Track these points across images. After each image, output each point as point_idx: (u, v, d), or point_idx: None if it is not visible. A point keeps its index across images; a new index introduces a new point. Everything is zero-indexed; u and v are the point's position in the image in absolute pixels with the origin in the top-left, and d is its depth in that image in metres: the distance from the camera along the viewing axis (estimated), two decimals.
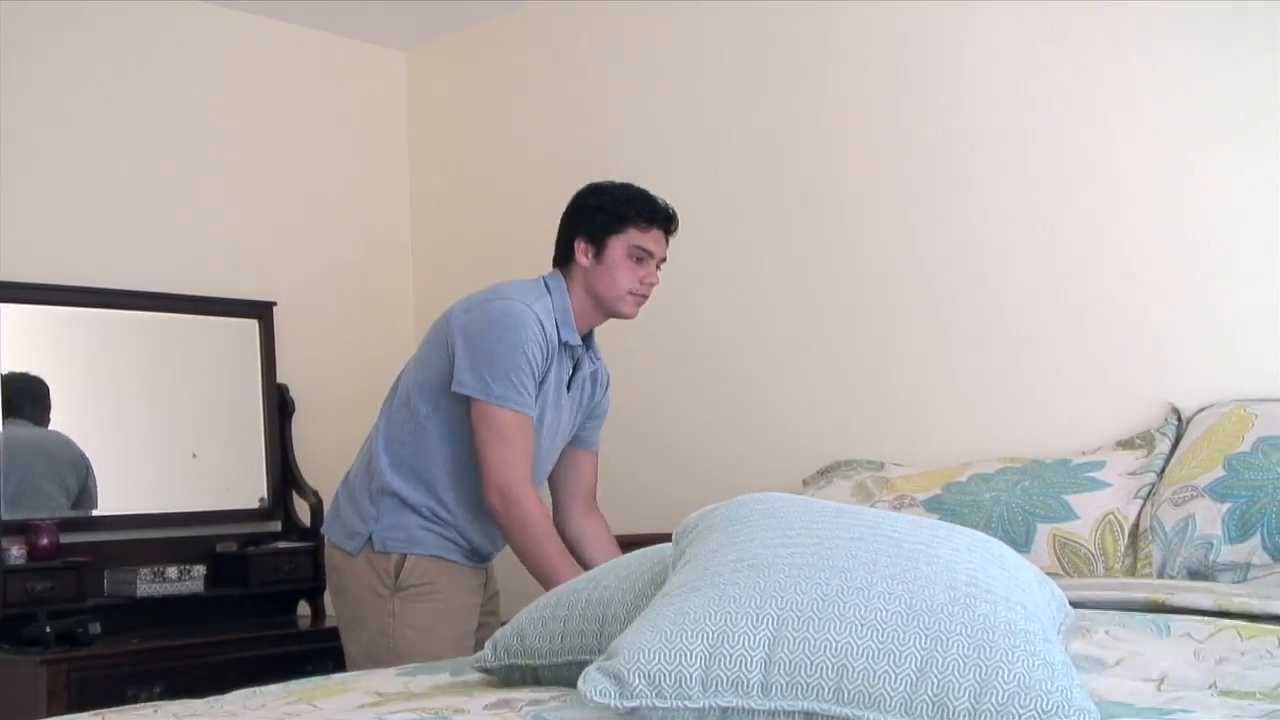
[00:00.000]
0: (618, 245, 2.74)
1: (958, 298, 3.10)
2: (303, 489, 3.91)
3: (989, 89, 3.06)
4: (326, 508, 2.92)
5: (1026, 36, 3.00)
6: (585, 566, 2.76)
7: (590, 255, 2.75)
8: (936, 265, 3.14)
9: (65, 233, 3.70)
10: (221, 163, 4.05)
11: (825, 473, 3.07)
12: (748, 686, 1.29)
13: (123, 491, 3.67)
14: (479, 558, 2.79)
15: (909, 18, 3.20)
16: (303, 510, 3.91)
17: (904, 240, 3.21)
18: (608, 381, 2.91)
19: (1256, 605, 1.70)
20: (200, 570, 3.61)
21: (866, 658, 1.27)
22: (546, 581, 2.50)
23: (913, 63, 3.20)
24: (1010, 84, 3.02)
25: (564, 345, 2.71)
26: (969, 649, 1.26)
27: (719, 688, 1.29)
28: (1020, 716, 1.20)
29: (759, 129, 3.50)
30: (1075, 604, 1.74)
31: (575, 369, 2.77)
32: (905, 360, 3.19)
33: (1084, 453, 2.71)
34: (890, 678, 1.25)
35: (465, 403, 2.63)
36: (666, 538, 2.69)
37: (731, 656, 1.30)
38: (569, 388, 2.76)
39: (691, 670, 1.30)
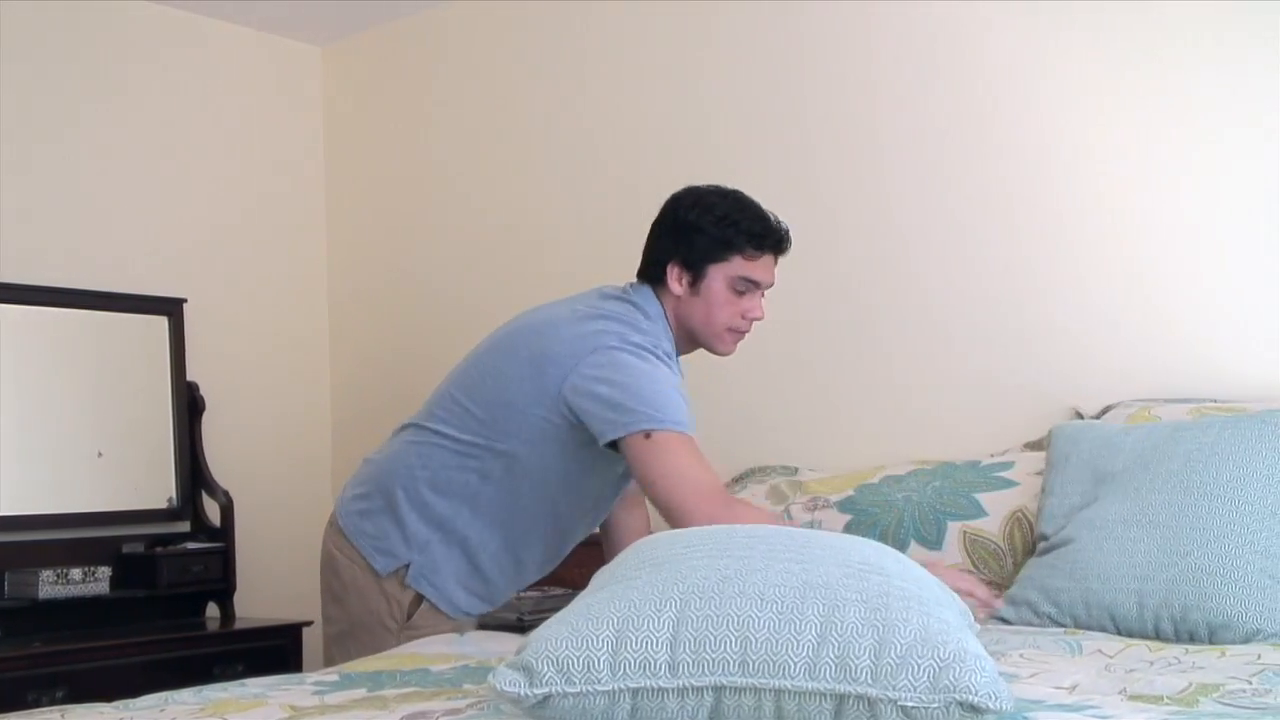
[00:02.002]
0: (719, 276, 2.33)
1: (868, 306, 3.14)
2: (213, 489, 3.85)
3: (897, 102, 3.11)
4: (342, 496, 2.54)
5: (953, 48, 3.05)
6: (610, 553, 2.60)
7: (685, 283, 2.35)
8: (846, 275, 3.18)
9: None
10: (131, 156, 3.98)
11: (740, 479, 3.09)
12: (655, 666, 1.31)
13: (25, 491, 3.58)
14: (480, 612, 2.55)
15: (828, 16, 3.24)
16: (212, 510, 3.85)
17: (813, 252, 3.22)
18: None
19: None
20: (105, 572, 3.54)
21: (768, 629, 1.31)
22: None
23: (824, 68, 3.24)
24: (920, 96, 3.07)
25: None
26: (865, 613, 1.31)
27: (627, 670, 1.31)
28: (919, 666, 1.25)
29: (683, 130, 3.51)
30: None
31: None
32: (817, 368, 3.23)
33: (993, 455, 2.76)
34: (793, 645, 1.29)
35: (561, 447, 2.26)
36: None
37: (638, 638, 1.32)
38: None
39: (599, 655, 1.32)
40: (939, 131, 3.04)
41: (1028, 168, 2.91)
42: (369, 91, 4.39)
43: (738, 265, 2.34)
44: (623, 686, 1.31)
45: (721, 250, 2.32)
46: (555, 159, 3.80)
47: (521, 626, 2.83)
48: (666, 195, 3.48)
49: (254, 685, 1.87)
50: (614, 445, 2.22)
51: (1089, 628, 2.07)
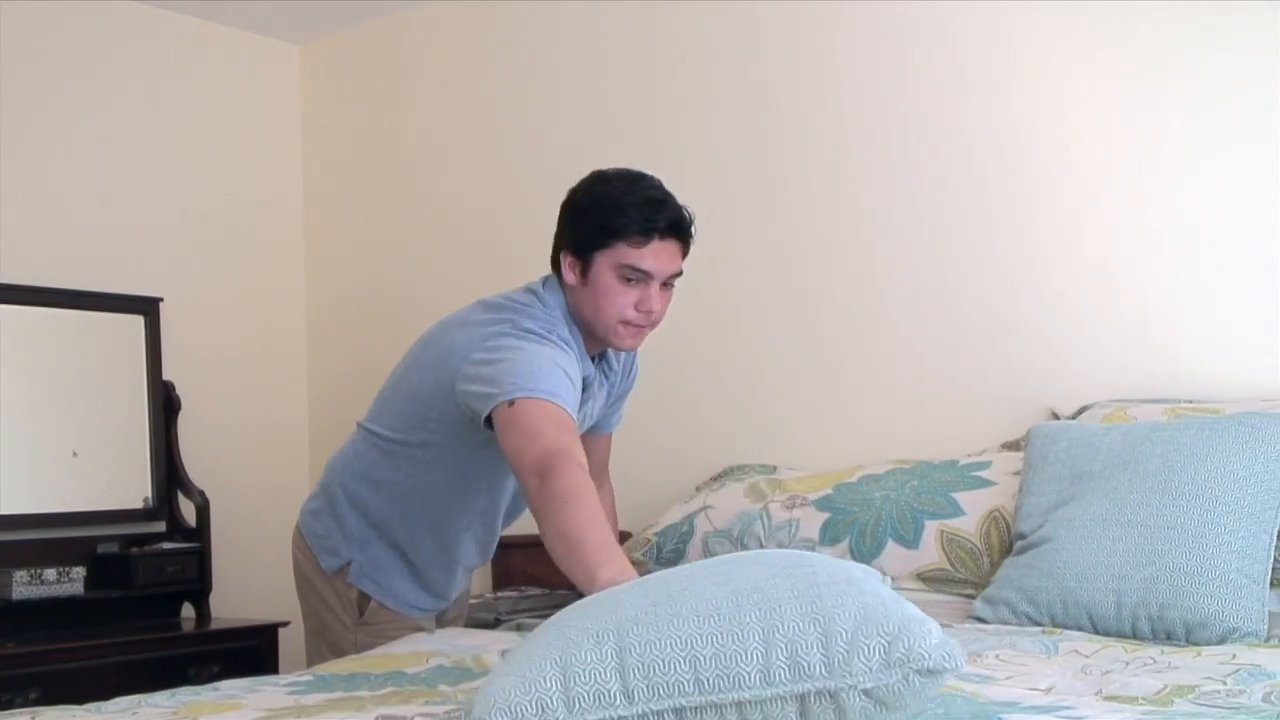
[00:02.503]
0: (604, 264, 2.18)
1: (848, 306, 3.15)
2: (188, 489, 3.83)
3: (870, 99, 3.11)
4: (308, 499, 2.53)
5: (927, 50, 3.06)
6: None
7: (577, 272, 2.22)
8: (825, 275, 3.18)
9: None
10: (107, 154, 3.95)
11: (719, 478, 3.09)
12: (610, 697, 1.28)
13: None
14: (435, 609, 2.53)
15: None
16: (188, 510, 3.83)
17: (791, 251, 3.24)
18: (629, 370, 2.50)
19: None
20: (80, 572, 3.52)
21: (712, 644, 1.28)
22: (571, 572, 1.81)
23: (797, 72, 3.24)
24: (892, 93, 3.07)
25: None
26: (802, 607, 1.29)
27: (582, 704, 1.28)
28: (869, 647, 1.25)
29: (660, 131, 3.50)
30: None
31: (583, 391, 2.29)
32: (797, 367, 3.23)
33: (970, 455, 2.77)
34: (741, 656, 1.27)
35: (468, 440, 2.20)
36: None
37: (585, 672, 1.29)
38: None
39: (550, 694, 1.28)
40: (915, 133, 3.05)
41: (1003, 170, 2.91)
42: (347, 90, 4.37)
43: (622, 253, 2.16)
44: None
45: (605, 236, 2.17)
46: (532, 157, 3.79)
47: (497, 624, 2.82)
48: None
49: (228, 687, 1.86)
50: (491, 425, 2.09)
51: (1066, 626, 2.07)
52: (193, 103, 4.17)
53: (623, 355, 2.44)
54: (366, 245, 4.26)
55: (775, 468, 3.03)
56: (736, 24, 3.36)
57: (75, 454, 3.72)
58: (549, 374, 2.05)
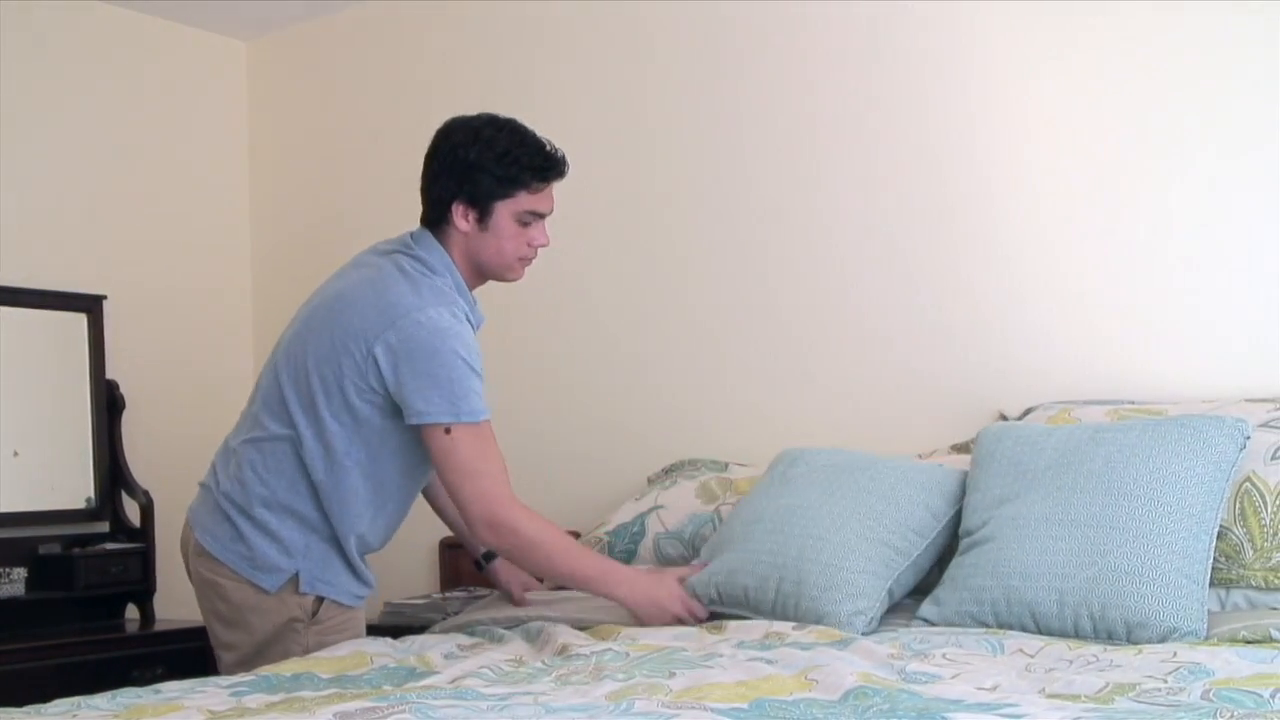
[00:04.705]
0: (505, 212, 2.38)
1: (800, 305, 3.16)
2: (132, 489, 3.78)
3: (830, 100, 3.12)
4: (198, 523, 2.47)
5: (889, 52, 3.08)
6: (441, 514, 2.74)
7: (472, 220, 2.39)
8: (779, 272, 3.20)
9: None
10: (50, 149, 3.90)
11: (670, 471, 3.10)
12: (713, 598, 2.37)
13: None
14: (367, 595, 2.56)
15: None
16: (132, 510, 3.79)
17: (744, 247, 3.26)
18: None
19: None
20: (21, 573, 3.47)
21: (754, 584, 2.31)
22: (585, 587, 2.39)
23: (760, 71, 3.25)
24: (853, 94, 3.09)
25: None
26: (797, 581, 2.27)
27: (711, 599, 2.37)
28: (820, 608, 2.22)
29: (596, 131, 3.50)
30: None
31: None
32: (750, 366, 3.24)
33: (920, 455, 2.78)
34: (763, 597, 2.30)
35: (381, 424, 2.33)
36: None
37: (707, 585, 2.39)
38: None
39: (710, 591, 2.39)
40: (874, 135, 3.06)
41: (958, 176, 2.94)
42: (294, 87, 4.34)
43: (523, 200, 2.39)
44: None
45: (507, 187, 2.37)
46: None
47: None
48: (586, 193, 3.48)
49: (169, 689, 1.83)
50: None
51: (1010, 626, 2.09)
52: (139, 98, 4.12)
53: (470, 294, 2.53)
54: (313, 241, 4.23)
55: (726, 464, 3.03)
56: (699, 21, 3.36)
57: (16, 454, 3.66)
58: (471, 388, 2.28)
